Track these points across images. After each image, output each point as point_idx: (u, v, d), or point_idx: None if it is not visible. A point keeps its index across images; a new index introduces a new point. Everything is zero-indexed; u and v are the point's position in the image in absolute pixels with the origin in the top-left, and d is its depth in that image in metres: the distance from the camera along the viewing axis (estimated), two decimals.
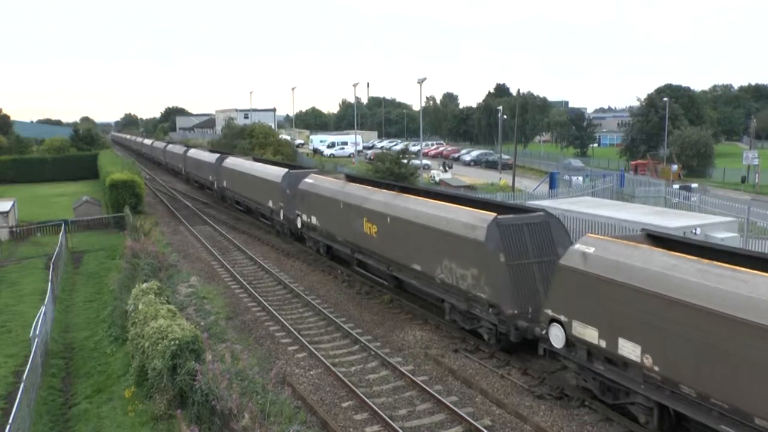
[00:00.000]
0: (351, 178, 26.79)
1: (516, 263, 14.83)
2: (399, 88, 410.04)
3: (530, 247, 15.11)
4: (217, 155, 44.61)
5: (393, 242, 19.20)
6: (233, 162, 39.87)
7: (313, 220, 25.33)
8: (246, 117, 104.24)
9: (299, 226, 27.20)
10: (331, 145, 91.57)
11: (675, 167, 58.54)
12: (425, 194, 20.53)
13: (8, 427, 11.29)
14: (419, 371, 15.14)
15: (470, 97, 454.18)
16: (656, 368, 10.78)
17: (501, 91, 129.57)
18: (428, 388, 13.85)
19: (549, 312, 13.09)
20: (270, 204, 31.17)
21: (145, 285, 17.26)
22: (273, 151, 62.35)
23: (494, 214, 15.42)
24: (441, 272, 16.67)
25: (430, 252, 17.15)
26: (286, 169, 30.69)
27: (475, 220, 15.67)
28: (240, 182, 37.06)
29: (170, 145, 71.60)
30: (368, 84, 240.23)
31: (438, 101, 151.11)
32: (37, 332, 15.70)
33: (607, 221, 21.48)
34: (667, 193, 37.05)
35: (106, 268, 26.90)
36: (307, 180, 26.92)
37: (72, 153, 70.58)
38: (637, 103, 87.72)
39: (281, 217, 29.54)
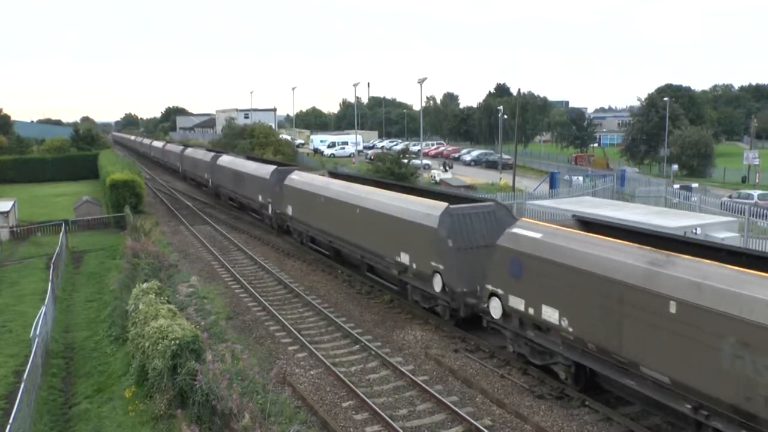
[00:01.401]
0: (595, 227, 14.53)
1: None
2: (399, 88, 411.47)
3: None
4: (273, 168, 32.36)
5: None
6: (307, 180, 27.56)
7: (549, 314, 13.24)
8: (246, 117, 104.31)
9: (495, 315, 14.99)
10: (332, 145, 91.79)
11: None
12: None
13: (9, 426, 11.30)
14: (419, 371, 15.15)
15: (470, 97, 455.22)
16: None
17: (501, 90, 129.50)
18: (428, 388, 13.86)
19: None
20: (406, 260, 18.75)
21: (145, 285, 17.28)
22: (273, 151, 62.37)
23: None
24: None
25: None
26: (445, 204, 17.53)
27: None
28: (325, 213, 24.57)
29: (190, 149, 58.03)
30: (368, 84, 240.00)
31: (438, 101, 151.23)
32: (38, 332, 15.72)
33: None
34: (667, 193, 37.05)
35: (107, 268, 26.91)
36: (525, 233, 14.15)
37: (72, 153, 70.61)
38: (637, 103, 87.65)
39: (437, 288, 17.32)
